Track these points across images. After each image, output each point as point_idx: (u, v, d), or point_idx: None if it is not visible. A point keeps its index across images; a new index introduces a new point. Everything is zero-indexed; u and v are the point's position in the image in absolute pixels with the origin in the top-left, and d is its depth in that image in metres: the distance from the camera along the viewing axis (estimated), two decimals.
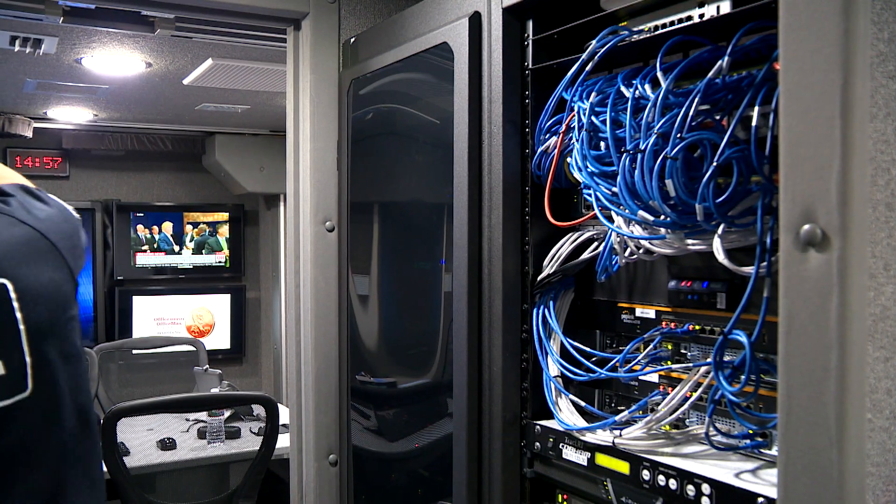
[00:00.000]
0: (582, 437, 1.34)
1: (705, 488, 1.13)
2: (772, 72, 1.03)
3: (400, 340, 1.88)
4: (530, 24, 1.46)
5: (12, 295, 1.11)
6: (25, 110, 4.49)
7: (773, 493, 1.00)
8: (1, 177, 1.35)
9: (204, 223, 5.80)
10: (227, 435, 3.99)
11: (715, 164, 1.07)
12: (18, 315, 1.11)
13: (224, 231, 5.85)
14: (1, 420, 1.10)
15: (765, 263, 1.05)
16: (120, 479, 3.12)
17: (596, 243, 1.41)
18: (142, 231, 5.58)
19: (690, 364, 1.27)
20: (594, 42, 1.29)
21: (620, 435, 1.27)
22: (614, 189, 1.22)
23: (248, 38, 2.49)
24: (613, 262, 1.35)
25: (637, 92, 1.20)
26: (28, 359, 1.12)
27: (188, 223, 5.76)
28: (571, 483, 1.41)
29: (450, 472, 1.56)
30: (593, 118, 1.27)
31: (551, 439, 1.41)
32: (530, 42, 1.46)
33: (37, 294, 1.15)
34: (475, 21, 1.51)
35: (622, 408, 1.37)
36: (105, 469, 2.87)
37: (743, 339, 1.10)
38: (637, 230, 1.24)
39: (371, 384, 1.93)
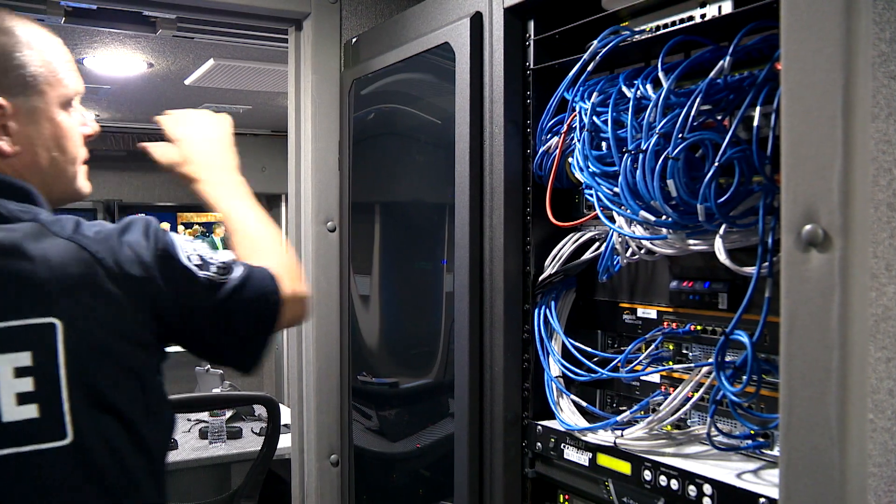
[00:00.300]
0: (583, 438, 1.34)
1: (707, 489, 1.12)
2: (773, 72, 1.03)
3: (401, 340, 1.88)
4: (532, 24, 1.46)
5: (59, 336, 1.05)
6: None
7: (774, 493, 1.00)
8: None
9: (198, 224, 5.80)
10: (228, 435, 4.00)
11: (716, 164, 1.07)
12: (61, 357, 1.05)
13: (220, 231, 5.84)
14: (28, 467, 1.04)
15: (766, 264, 1.05)
16: None
17: (597, 243, 1.41)
18: None
19: (692, 364, 1.27)
20: (595, 42, 1.29)
21: (622, 435, 1.27)
22: (616, 189, 1.22)
23: (250, 38, 2.49)
24: (615, 263, 1.35)
25: (638, 92, 1.20)
26: (66, 405, 1.05)
27: (181, 223, 5.75)
28: (573, 483, 1.41)
29: (451, 473, 1.56)
30: (595, 118, 1.27)
31: (553, 439, 1.41)
32: (532, 42, 1.46)
33: (89, 336, 1.07)
34: (476, 21, 1.51)
35: (624, 408, 1.37)
36: None
37: (744, 339, 1.10)
38: (639, 230, 1.24)
39: (372, 384, 1.93)
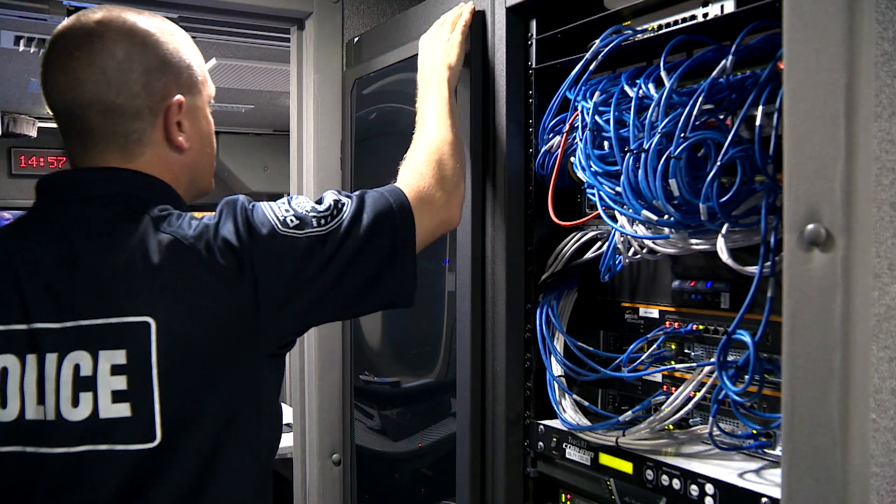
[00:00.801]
0: (585, 437, 1.34)
1: (709, 488, 1.12)
2: (776, 71, 1.02)
3: (403, 340, 1.88)
4: (534, 23, 1.46)
5: (153, 335, 1.03)
6: (30, 110, 4.50)
7: (776, 493, 1.00)
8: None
9: None
10: None
11: (719, 163, 1.06)
12: (154, 357, 1.03)
13: None
14: (117, 464, 1.03)
15: (769, 263, 1.05)
16: None
17: (599, 243, 1.41)
18: None
19: (694, 364, 1.27)
20: (598, 41, 1.29)
21: (624, 435, 1.27)
22: (618, 188, 1.22)
23: (252, 37, 2.49)
24: (617, 262, 1.35)
25: (641, 91, 1.20)
26: (157, 406, 1.04)
27: None
28: (575, 483, 1.41)
29: (453, 472, 1.56)
30: (597, 117, 1.27)
31: (554, 439, 1.41)
32: (534, 41, 1.46)
33: (184, 335, 1.05)
34: (478, 20, 1.51)
35: (626, 407, 1.37)
36: None
37: (747, 338, 1.09)
38: (641, 230, 1.24)
39: (374, 383, 1.93)
